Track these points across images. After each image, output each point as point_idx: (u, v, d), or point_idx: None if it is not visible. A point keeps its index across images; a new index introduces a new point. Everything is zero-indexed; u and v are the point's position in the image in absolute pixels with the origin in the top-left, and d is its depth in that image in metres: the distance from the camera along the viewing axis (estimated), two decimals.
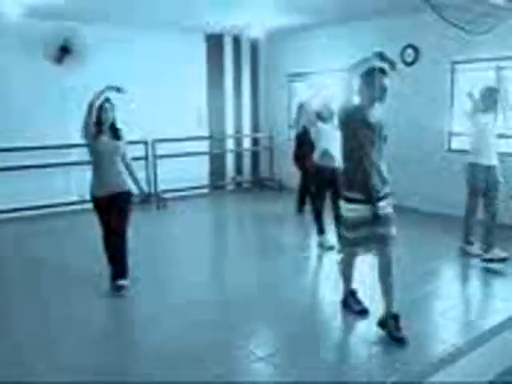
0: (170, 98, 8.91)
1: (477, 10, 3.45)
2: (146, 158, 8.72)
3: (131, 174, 4.86)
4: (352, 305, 4.12)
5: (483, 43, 6.42)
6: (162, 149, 8.77)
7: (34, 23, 7.37)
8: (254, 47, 10.16)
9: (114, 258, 4.69)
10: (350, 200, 3.67)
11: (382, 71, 3.61)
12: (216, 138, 9.82)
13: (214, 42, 9.58)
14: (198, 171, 9.50)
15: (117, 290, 4.61)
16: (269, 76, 10.20)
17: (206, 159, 9.76)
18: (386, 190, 3.68)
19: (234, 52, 9.90)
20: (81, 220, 7.13)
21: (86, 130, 4.52)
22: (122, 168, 4.70)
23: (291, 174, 9.09)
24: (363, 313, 4.05)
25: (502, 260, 5.20)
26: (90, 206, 4.77)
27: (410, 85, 7.69)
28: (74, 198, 7.79)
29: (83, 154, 7.79)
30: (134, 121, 8.42)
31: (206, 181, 9.74)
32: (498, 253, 5.24)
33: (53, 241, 6.61)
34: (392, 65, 3.84)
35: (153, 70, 8.73)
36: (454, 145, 7.41)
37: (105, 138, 4.58)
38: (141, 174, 8.53)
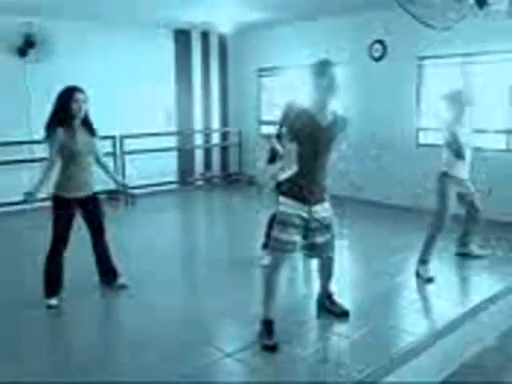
0: (138, 94, 8.80)
1: (439, 5, 3.48)
2: (113, 153, 8.61)
3: (108, 172, 4.61)
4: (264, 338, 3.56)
5: (450, 39, 6.51)
6: (130, 144, 8.67)
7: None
8: (223, 42, 10.11)
9: (106, 260, 4.53)
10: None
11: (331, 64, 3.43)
12: (184, 134, 9.75)
13: (182, 38, 9.49)
14: (167, 167, 9.42)
15: (121, 287, 4.54)
16: (237, 71, 10.16)
17: (174, 155, 9.68)
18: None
19: (203, 47, 9.83)
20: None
21: (53, 126, 4.03)
22: (93, 168, 4.32)
23: (261, 169, 9.10)
24: (271, 349, 3.45)
25: (477, 257, 5.29)
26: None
27: (378, 80, 7.78)
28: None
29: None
30: (102, 116, 8.34)
31: (174, 177, 9.67)
32: (473, 249, 5.34)
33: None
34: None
35: (121, 66, 8.63)
36: (422, 140, 7.51)
37: (77, 135, 4.11)
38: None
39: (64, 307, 4.24)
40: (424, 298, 4.48)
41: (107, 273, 4.59)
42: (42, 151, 7.56)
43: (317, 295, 4.13)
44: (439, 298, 4.41)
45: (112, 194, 8.60)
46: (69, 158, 4.09)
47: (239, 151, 10.31)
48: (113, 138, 8.56)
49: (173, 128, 9.58)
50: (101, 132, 8.46)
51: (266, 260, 4.64)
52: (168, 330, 3.84)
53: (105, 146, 8.33)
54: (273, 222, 3.87)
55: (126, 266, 4.88)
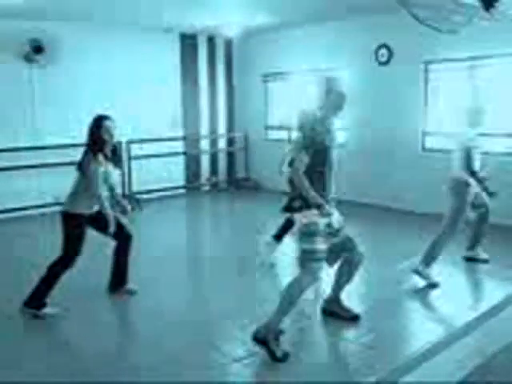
0: (144, 99, 8.81)
1: (446, 8, 3.47)
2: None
3: (113, 197, 4.50)
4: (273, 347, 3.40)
5: (456, 43, 6.48)
6: (136, 150, 8.69)
7: (4, 23, 7.23)
8: (229, 47, 10.12)
9: (125, 267, 4.50)
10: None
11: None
12: (191, 139, 9.75)
13: (188, 42, 9.51)
14: (173, 172, 9.43)
15: (129, 292, 4.51)
16: (243, 76, 10.16)
17: (181, 160, 9.69)
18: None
19: (209, 52, 9.85)
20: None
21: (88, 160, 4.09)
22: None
23: (267, 175, 9.10)
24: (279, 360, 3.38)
25: (484, 261, 5.24)
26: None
27: (383, 84, 7.76)
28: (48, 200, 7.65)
29: (57, 156, 7.78)
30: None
31: (181, 182, 9.67)
32: (479, 253, 5.29)
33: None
34: None
35: (127, 71, 8.65)
36: (428, 144, 7.48)
37: (106, 166, 4.19)
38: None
39: (74, 310, 4.24)
40: (433, 304, 4.43)
41: (120, 279, 4.53)
42: (49, 156, 7.65)
43: (323, 302, 4.08)
44: (448, 303, 4.36)
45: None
46: (91, 184, 4.12)
47: (245, 156, 10.31)
48: (119, 143, 8.57)
49: (179, 133, 9.59)
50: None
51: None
52: (175, 331, 3.84)
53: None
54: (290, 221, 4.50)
55: (135, 269, 4.86)
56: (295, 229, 3.82)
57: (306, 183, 3.38)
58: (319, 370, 3.31)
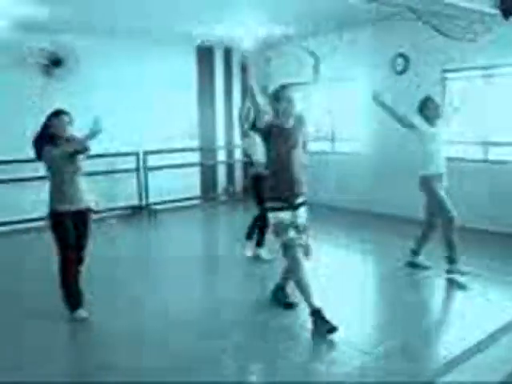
0: (161, 110, 8.88)
1: (464, 17, 3.44)
2: (137, 169, 8.69)
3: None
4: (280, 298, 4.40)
5: (474, 51, 6.44)
6: (153, 160, 8.74)
7: (22, 36, 7.33)
8: (245, 59, 10.13)
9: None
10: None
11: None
12: (207, 150, 9.79)
13: (205, 54, 9.58)
14: (190, 182, 9.46)
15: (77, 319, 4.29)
16: (260, 87, 10.15)
17: (197, 170, 9.72)
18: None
19: (225, 63, 9.90)
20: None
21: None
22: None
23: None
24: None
25: (464, 274, 5.07)
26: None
27: (400, 93, 7.71)
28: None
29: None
30: (125, 133, 8.45)
31: (197, 192, 9.70)
32: (460, 267, 5.08)
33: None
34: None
35: (144, 82, 8.72)
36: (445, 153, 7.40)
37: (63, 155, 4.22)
38: (132, 186, 8.66)
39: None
40: (451, 313, 4.37)
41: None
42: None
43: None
44: (467, 313, 4.30)
45: (135, 209, 8.71)
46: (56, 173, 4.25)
47: None
48: (136, 154, 8.64)
49: (195, 144, 9.63)
50: (124, 148, 8.64)
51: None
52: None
53: (129, 162, 8.53)
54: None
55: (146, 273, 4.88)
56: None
57: None
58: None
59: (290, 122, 4.12)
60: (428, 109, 5.30)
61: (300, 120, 4.27)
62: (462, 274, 5.02)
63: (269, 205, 4.11)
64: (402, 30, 7.43)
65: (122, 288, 5.11)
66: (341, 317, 4.02)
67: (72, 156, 4.25)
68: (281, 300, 4.46)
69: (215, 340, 3.87)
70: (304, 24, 7.62)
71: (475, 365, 3.43)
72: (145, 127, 8.69)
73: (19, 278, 5.52)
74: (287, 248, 4.02)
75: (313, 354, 3.73)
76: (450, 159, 7.24)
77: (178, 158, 9.11)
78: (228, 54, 9.87)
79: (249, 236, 5.96)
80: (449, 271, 5.07)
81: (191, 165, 9.46)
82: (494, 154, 6.99)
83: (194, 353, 3.67)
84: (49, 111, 4.40)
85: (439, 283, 5.18)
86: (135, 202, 8.79)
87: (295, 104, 4.12)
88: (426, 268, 5.35)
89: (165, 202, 8.87)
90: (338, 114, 8.87)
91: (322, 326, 3.82)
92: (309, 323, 3.96)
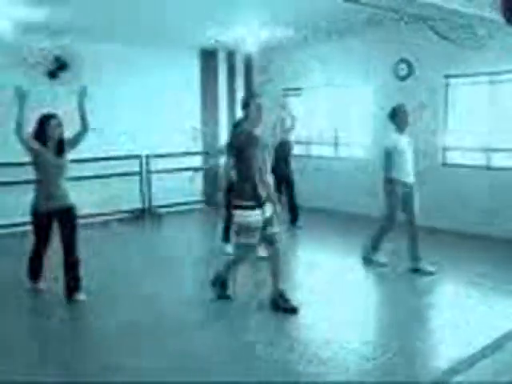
0: (164, 114, 8.90)
1: (470, 23, 3.45)
2: (140, 173, 8.71)
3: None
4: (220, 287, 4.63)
5: (477, 57, 6.45)
6: (156, 164, 8.76)
7: (28, 40, 7.36)
8: (248, 62, 10.17)
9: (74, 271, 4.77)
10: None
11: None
12: (210, 153, 9.79)
13: (208, 58, 9.60)
14: (193, 186, 9.46)
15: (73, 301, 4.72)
16: (263, 91, 10.17)
17: (200, 174, 9.72)
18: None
19: (228, 67, 9.91)
20: None
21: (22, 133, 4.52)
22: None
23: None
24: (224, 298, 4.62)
25: (430, 273, 5.35)
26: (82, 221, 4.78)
27: (403, 99, 7.72)
28: None
29: (78, 170, 7.89)
30: (128, 136, 8.47)
31: (200, 196, 9.70)
32: (425, 265, 5.42)
33: None
34: None
35: (147, 86, 8.75)
36: (449, 160, 7.41)
37: (50, 155, 4.63)
38: (135, 189, 8.67)
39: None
40: (454, 319, 4.34)
41: (70, 286, 4.76)
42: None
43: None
44: (471, 320, 4.28)
45: (138, 213, 8.72)
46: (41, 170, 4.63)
47: None
48: (139, 157, 8.66)
49: (198, 148, 9.64)
50: (127, 151, 8.67)
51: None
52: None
53: (132, 165, 8.55)
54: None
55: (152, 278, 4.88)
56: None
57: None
58: None
59: (259, 130, 4.40)
60: (399, 117, 5.47)
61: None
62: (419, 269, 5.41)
63: (238, 204, 4.31)
64: (405, 35, 7.45)
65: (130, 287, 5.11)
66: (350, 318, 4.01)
67: (60, 154, 4.68)
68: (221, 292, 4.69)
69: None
70: (306, 29, 7.62)
71: (480, 369, 3.43)
72: (148, 131, 8.70)
73: None
74: (240, 248, 4.43)
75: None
76: (450, 165, 7.37)
77: (181, 162, 9.12)
78: (231, 56, 9.88)
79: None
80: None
81: (194, 169, 9.47)
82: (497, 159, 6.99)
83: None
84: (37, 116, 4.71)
85: (443, 289, 5.20)
86: (138, 205, 8.80)
87: (264, 111, 4.43)
88: (382, 265, 5.60)
89: (168, 206, 8.87)
90: (341, 120, 8.86)
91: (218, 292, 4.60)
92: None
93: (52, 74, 7.71)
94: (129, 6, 5.99)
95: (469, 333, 4.02)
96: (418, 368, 3.49)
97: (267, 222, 4.32)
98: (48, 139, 4.63)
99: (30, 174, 4.92)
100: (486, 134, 6.97)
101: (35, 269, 4.95)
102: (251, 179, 4.28)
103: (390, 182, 5.45)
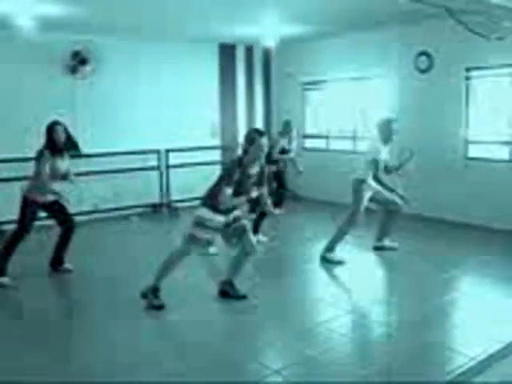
0: (182, 108, 8.91)
1: (493, 14, 3.38)
2: (158, 167, 8.73)
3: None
4: (152, 300, 4.44)
5: (499, 49, 6.33)
6: (174, 158, 8.77)
7: (50, 35, 7.42)
8: (267, 56, 10.13)
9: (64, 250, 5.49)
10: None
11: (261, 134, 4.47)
12: (229, 148, 9.77)
13: (227, 52, 9.57)
14: (211, 180, 9.43)
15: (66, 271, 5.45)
16: (281, 85, 10.15)
17: (218, 169, 9.71)
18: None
19: (247, 61, 9.88)
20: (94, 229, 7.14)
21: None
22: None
23: (303, 184, 9.04)
24: (159, 308, 4.40)
25: (392, 249, 6.07)
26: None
27: (424, 92, 7.63)
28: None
29: (98, 164, 7.96)
30: (147, 131, 8.51)
31: None
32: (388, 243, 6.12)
33: None
34: None
35: (166, 81, 8.77)
36: (472, 153, 7.30)
37: (59, 161, 5.15)
38: (153, 183, 8.71)
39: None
40: (475, 318, 4.28)
41: (59, 259, 5.48)
42: (90, 165, 7.78)
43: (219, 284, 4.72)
44: (492, 319, 4.22)
45: (156, 207, 8.75)
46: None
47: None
48: (158, 152, 8.68)
49: (217, 142, 9.64)
50: (147, 146, 8.71)
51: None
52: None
53: (150, 159, 8.58)
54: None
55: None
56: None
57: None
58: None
59: (255, 168, 4.48)
60: (390, 131, 5.68)
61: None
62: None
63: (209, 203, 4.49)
64: (425, 27, 7.35)
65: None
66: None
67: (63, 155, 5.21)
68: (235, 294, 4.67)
69: None
70: (326, 23, 7.56)
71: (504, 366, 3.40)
72: (166, 125, 8.73)
73: None
74: (188, 241, 4.39)
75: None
76: (473, 159, 7.27)
77: (200, 156, 9.13)
78: (250, 51, 9.85)
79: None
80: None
81: (212, 163, 9.46)
82: None
83: None
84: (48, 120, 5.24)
85: (466, 285, 5.14)
86: (155, 199, 8.83)
87: (265, 151, 4.46)
88: (339, 263, 5.68)
89: (186, 200, 8.89)
90: (361, 113, 8.78)
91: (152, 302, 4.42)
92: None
93: (72, 69, 7.74)
94: (152, 3, 5.99)
95: (492, 328, 3.97)
96: (438, 365, 3.46)
97: (232, 222, 4.50)
98: (55, 144, 5.11)
99: None
100: (508, 127, 6.86)
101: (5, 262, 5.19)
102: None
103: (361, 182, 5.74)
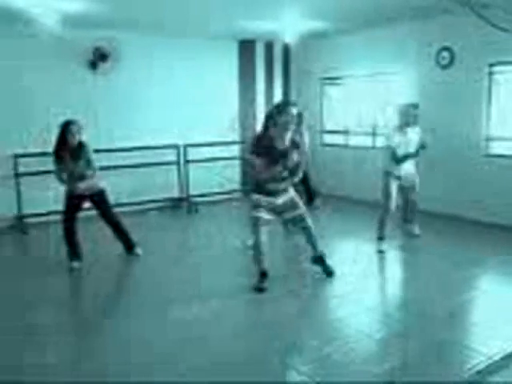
0: (202, 104, 8.94)
1: None
2: (177, 162, 8.78)
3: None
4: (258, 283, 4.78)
5: None
6: (193, 153, 8.81)
7: (71, 32, 7.48)
8: (286, 52, 10.10)
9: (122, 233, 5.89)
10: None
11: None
12: (247, 143, 9.77)
13: (246, 48, 9.57)
14: (230, 175, 9.49)
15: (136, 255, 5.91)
16: (300, 80, 10.11)
17: (237, 164, 9.74)
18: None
19: (266, 57, 9.86)
20: None
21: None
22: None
23: (323, 179, 9.02)
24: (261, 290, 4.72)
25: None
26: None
27: (445, 88, 7.55)
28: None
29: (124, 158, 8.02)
30: (166, 126, 8.56)
31: (237, 185, 9.72)
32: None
33: None
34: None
35: (185, 77, 8.80)
36: (493, 150, 7.20)
37: (69, 163, 5.33)
38: (172, 179, 8.76)
39: None
40: (494, 317, 4.24)
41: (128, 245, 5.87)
42: (114, 159, 7.84)
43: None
44: (511, 318, 4.17)
45: (175, 202, 8.81)
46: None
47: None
48: (176, 147, 8.73)
49: (236, 137, 9.66)
50: (165, 141, 8.76)
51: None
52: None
53: (169, 155, 8.63)
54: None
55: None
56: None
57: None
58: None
59: (286, 142, 4.58)
60: (409, 114, 5.83)
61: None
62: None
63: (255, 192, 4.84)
64: (447, 23, 7.26)
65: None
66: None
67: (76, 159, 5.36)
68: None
69: None
70: (346, 19, 7.50)
71: None
72: (186, 120, 8.77)
73: None
74: (255, 223, 4.76)
75: None
76: (493, 155, 7.17)
77: (218, 152, 9.16)
78: (269, 47, 9.83)
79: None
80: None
81: (231, 158, 9.48)
82: None
83: None
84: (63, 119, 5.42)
85: (486, 283, 5.10)
86: (175, 194, 8.89)
87: (294, 121, 4.60)
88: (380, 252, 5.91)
89: (205, 195, 8.93)
90: (380, 109, 8.71)
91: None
92: None
93: (93, 65, 7.83)
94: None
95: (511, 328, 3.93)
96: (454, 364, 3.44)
97: (284, 208, 4.82)
98: (67, 144, 5.25)
99: None
100: None
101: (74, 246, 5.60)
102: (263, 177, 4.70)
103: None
